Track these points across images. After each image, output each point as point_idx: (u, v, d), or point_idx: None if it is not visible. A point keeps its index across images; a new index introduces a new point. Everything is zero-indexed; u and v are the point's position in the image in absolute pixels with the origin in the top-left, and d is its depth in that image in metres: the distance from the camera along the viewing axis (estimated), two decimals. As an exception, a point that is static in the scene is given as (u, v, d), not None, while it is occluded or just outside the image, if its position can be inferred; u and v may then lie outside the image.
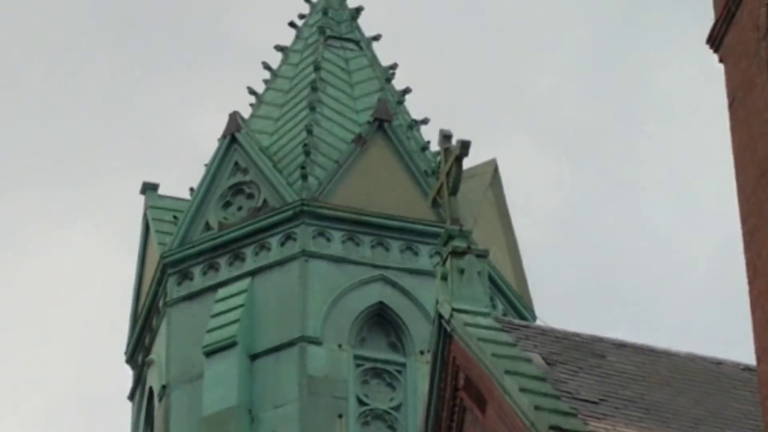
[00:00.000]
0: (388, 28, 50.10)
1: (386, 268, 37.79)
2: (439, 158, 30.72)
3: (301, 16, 42.55)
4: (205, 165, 39.71)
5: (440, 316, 28.46)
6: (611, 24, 76.85)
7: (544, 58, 74.70)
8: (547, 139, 73.17)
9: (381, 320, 37.55)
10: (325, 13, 42.05)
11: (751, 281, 23.76)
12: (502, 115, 69.74)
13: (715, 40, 25.28)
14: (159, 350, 38.10)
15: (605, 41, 76.07)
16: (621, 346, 29.50)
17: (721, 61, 25.19)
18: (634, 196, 73.23)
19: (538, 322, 33.34)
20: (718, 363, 29.74)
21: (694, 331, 64.13)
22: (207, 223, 39.00)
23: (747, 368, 27.05)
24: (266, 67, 41.79)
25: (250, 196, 38.89)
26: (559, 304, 65.09)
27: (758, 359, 23.48)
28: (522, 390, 26.31)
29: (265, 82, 41.59)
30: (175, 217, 39.52)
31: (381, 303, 37.47)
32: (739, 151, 24.46)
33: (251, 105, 41.18)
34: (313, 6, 42.51)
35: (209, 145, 39.91)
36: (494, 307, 32.73)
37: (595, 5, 74.79)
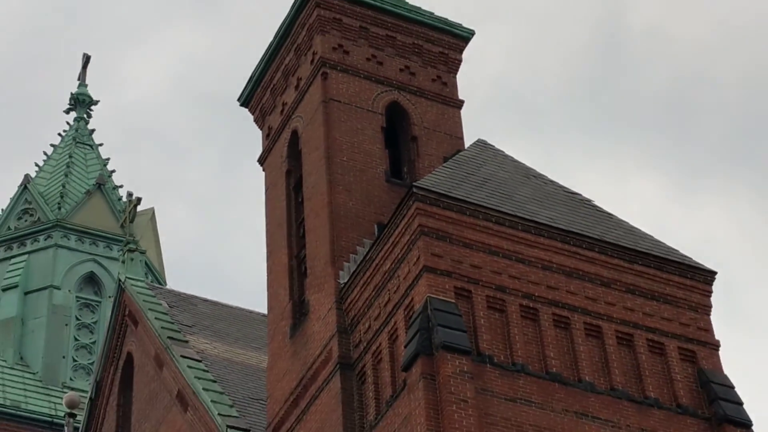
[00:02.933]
0: (108, 138, 49.60)
1: (96, 255, 37.65)
2: (126, 204, 30.83)
3: (64, 130, 42.11)
4: (10, 198, 39.24)
5: (120, 281, 28.44)
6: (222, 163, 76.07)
7: (192, 160, 73.79)
8: (188, 202, 72.57)
9: (91, 281, 37.36)
10: (76, 130, 41.73)
11: (268, 275, 24.32)
12: (164, 189, 69.00)
13: (262, 160, 25.76)
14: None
15: (221, 172, 75.30)
16: (205, 300, 29.73)
17: (264, 170, 25.67)
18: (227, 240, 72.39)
19: (168, 287, 33.46)
20: (250, 312, 30.18)
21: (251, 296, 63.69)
22: (9, 227, 38.41)
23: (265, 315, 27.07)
24: (44, 153, 41.29)
25: (32, 214, 38.39)
26: (187, 282, 64.72)
27: (268, 310, 24.11)
28: (156, 318, 26.46)
29: (44, 161, 41.04)
30: (-7, 222, 39.06)
31: (92, 272, 37.32)
32: (269, 213, 24.86)
33: (36, 171, 40.63)
34: (70, 126, 42.11)
35: (14, 188, 39.48)
36: (146, 276, 32.70)
37: (208, 155, 74.40)
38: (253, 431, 23.17)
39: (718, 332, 20.52)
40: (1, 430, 32.99)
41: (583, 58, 63.43)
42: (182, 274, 62.68)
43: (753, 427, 19.58)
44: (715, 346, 20.47)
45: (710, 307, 20.84)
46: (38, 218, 38.14)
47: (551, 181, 22.56)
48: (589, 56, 63.61)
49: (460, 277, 19.34)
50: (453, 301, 18.96)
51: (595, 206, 22.09)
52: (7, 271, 37.00)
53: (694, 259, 21.15)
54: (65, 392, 32.45)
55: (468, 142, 23.94)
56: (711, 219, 61.48)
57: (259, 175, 25.68)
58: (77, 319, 36.37)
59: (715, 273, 21.03)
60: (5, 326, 35.66)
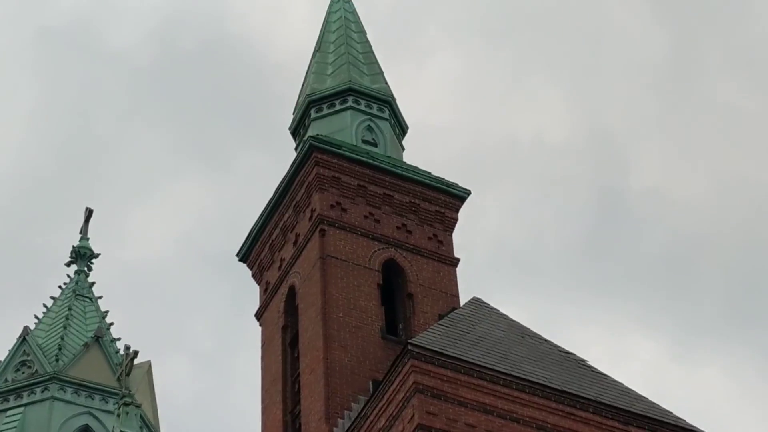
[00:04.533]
0: (108, 291, 49.50)
1: (92, 408, 37.30)
2: (123, 357, 30.67)
3: (65, 283, 42.01)
4: (9, 350, 38.91)
5: (114, 435, 28.12)
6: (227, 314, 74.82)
7: (193, 314, 73.18)
8: (187, 356, 71.85)
9: (86, 435, 37.03)
10: (76, 282, 41.58)
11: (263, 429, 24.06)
12: (163, 343, 68.17)
13: (259, 315, 25.73)
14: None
15: (221, 327, 74.29)
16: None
17: (261, 325, 25.62)
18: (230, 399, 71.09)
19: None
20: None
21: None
22: (6, 379, 38.08)
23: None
24: (44, 305, 41.12)
25: (30, 366, 38.07)
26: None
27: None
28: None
29: (44, 313, 40.84)
30: (-10, 376, 38.66)
31: (87, 425, 36.87)
32: (265, 368, 24.83)
33: (35, 323, 40.42)
34: (70, 278, 41.98)
35: (12, 339, 39.15)
36: (141, 430, 32.31)
37: (208, 309, 74.03)
38: None
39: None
40: None
41: (582, 217, 63.74)
42: (178, 429, 61.69)
43: None
44: (712, 508, 20.10)
45: (703, 472, 20.50)
46: (36, 370, 37.81)
47: (546, 341, 22.45)
48: (588, 216, 63.94)
49: (455, 436, 19.07)
50: (447, 460, 18.66)
51: (589, 366, 21.93)
52: (3, 424, 36.52)
53: (688, 421, 20.89)
54: None
55: (464, 298, 23.91)
56: (710, 379, 60.97)
57: (258, 330, 25.63)
58: (70, 467, 35.83)
59: (706, 435, 20.75)
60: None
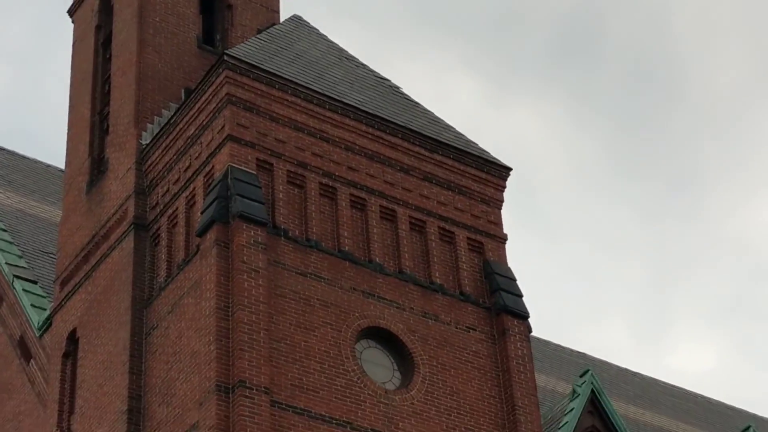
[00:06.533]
0: None
1: None
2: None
3: None
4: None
5: None
6: None
7: (8, 13, 70.31)
8: (3, 57, 69.28)
9: None
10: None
11: (69, 129, 23.61)
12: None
13: (72, 12, 24.81)
14: None
15: (38, 26, 71.60)
16: (2, 149, 28.65)
17: (73, 23, 24.77)
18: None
19: None
20: (48, 166, 29.26)
21: (59, 153, 61.21)
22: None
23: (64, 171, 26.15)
24: None
25: None
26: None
27: (66, 165, 23.43)
28: None
29: None
30: None
31: None
32: (75, 67, 24.04)
33: None
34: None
35: None
36: None
37: (27, 5, 70.99)
38: (41, 284, 22.84)
39: (515, 230, 21.00)
40: None
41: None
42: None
43: (529, 320, 20.25)
44: (503, 239, 21.05)
45: (502, 201, 21.35)
46: None
47: (363, 65, 22.62)
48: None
49: (264, 150, 19.33)
50: (254, 172, 18.98)
51: (402, 94, 22.29)
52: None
53: (491, 153, 21.59)
54: None
55: (285, 17, 23.71)
56: (522, 121, 62.39)
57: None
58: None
59: (509, 169, 21.52)
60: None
